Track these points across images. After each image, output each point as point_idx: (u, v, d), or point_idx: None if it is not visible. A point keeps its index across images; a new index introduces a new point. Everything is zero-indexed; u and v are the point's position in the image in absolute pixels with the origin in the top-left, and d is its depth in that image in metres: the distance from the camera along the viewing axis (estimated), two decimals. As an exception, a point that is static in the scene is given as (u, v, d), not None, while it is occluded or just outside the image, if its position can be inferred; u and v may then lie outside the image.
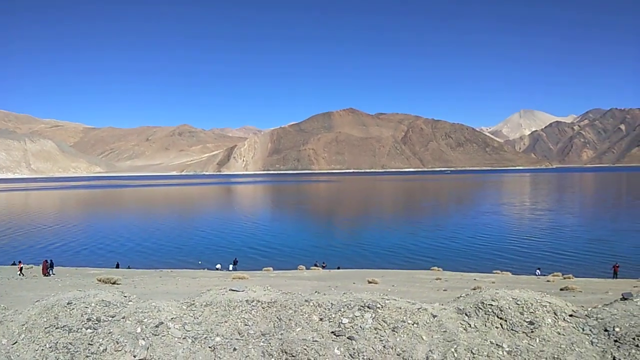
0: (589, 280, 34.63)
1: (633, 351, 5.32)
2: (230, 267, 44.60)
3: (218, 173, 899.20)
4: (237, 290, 7.50)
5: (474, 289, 19.01)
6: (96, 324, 6.40)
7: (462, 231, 67.56)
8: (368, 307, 6.63)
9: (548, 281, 32.66)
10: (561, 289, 26.81)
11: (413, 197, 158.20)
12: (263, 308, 6.93)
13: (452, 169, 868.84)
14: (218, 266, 44.92)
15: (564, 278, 34.47)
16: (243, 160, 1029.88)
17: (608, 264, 41.62)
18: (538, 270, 38.95)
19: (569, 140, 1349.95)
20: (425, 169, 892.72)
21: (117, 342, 6.09)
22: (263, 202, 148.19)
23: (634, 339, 5.43)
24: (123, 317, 6.51)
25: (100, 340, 6.11)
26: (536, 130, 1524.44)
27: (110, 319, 6.49)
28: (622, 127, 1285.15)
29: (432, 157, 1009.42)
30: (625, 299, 6.41)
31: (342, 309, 6.65)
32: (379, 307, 6.58)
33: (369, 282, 28.54)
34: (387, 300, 6.83)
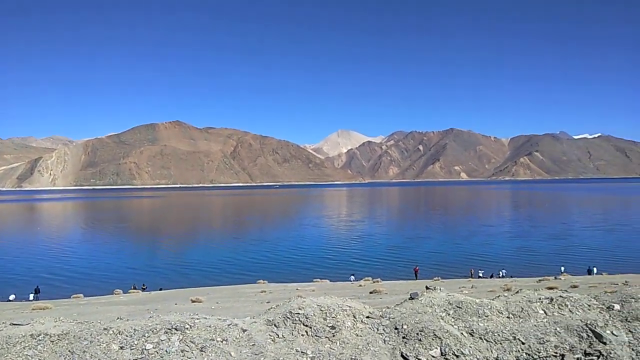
0: (394, 282, 38.71)
1: (417, 345, 5.95)
2: (31, 296, 38.58)
3: (18, 189, 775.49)
4: (20, 324, 6.37)
5: (297, 297, 19.82)
6: None
7: (286, 243, 69.94)
8: (175, 329, 6.22)
9: (360, 286, 35.61)
10: (370, 292, 29.47)
11: (240, 211, 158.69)
12: (52, 342, 5.98)
13: (280, 183, 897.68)
14: (12, 297, 38.43)
15: (374, 282, 37.96)
16: (50, 174, 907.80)
17: (410, 267, 47.00)
18: (352, 276, 42.11)
19: (379, 158, 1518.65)
20: (254, 184, 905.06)
21: None
22: (73, 221, 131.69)
23: (417, 334, 6.08)
24: None
25: None
26: (352, 149, 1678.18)
27: None
28: (421, 147, 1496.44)
29: (261, 172, 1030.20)
30: (413, 299, 7.20)
31: (146, 334, 6.11)
32: (187, 328, 6.22)
33: (193, 302, 27.48)
34: (197, 319, 6.51)
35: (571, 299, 7.08)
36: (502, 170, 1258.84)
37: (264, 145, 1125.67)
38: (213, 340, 6.02)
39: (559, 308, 6.89)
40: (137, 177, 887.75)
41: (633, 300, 7.08)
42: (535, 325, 6.45)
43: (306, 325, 6.30)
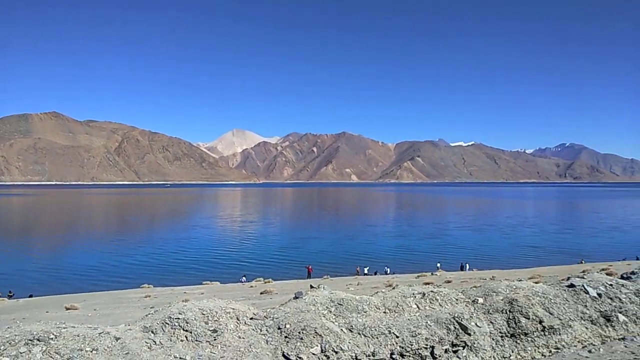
0: (285, 282, 38.94)
1: (298, 344, 6.02)
2: None
3: None
4: None
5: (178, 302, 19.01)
6: None
7: (174, 245, 67.16)
8: (38, 339, 5.63)
9: (252, 286, 35.33)
10: (261, 293, 29.38)
11: (124, 212, 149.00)
12: None
13: (171, 182, 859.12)
14: None
15: (265, 282, 37.89)
16: None
17: (302, 266, 47.72)
18: (243, 277, 41.62)
19: (274, 159, 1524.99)
20: (142, 183, 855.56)
21: None
22: None
23: (299, 332, 6.16)
24: None
25: None
26: (247, 149, 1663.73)
27: None
28: (315, 149, 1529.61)
29: (149, 170, 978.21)
30: (297, 298, 7.28)
31: (2, 347, 5.46)
32: (51, 338, 5.66)
33: (67, 309, 25.17)
34: (64, 328, 5.95)
35: (441, 293, 7.65)
36: (389, 174, 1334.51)
37: (153, 142, 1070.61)
38: (81, 350, 5.55)
39: (430, 302, 7.41)
40: (6, 173, 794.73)
41: (494, 294, 7.85)
42: (408, 319, 6.86)
43: (186, 330, 6.07)
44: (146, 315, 6.66)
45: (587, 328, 7.53)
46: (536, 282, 8.85)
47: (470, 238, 74.66)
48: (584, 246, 64.09)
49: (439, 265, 47.83)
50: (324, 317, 6.62)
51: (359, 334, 6.42)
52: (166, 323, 6.17)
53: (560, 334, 7.20)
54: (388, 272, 47.09)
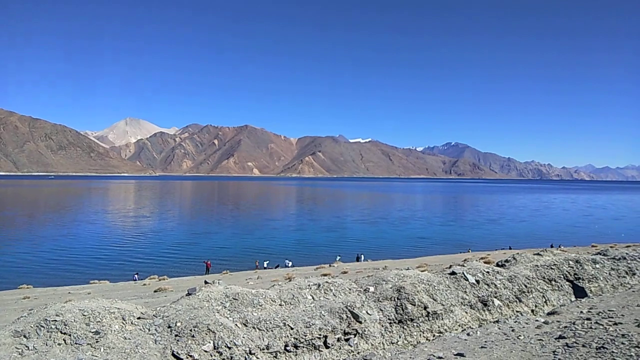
0: (182, 279, 37.56)
1: (189, 342, 5.80)
2: None
3: None
4: None
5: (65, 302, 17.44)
6: None
7: (57, 242, 61.66)
8: None
9: (145, 284, 33.59)
10: (155, 291, 28.05)
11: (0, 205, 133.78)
12: None
13: (55, 174, 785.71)
14: None
15: (160, 280, 36.28)
16: None
17: (200, 262, 46.37)
18: (136, 275, 39.50)
19: (172, 151, 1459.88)
20: (21, 174, 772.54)
21: None
22: None
23: (191, 330, 5.94)
24: None
25: None
26: (142, 139, 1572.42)
27: None
28: (216, 142, 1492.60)
29: (29, 160, 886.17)
30: (190, 294, 7.02)
31: None
32: None
33: None
34: None
35: (335, 284, 7.84)
36: (290, 168, 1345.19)
37: (34, 129, 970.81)
38: None
39: (325, 293, 7.56)
40: None
41: (384, 282, 8.21)
42: (304, 311, 6.95)
43: (64, 333, 5.56)
44: (18, 319, 6.02)
45: (466, 312, 8.19)
46: (422, 271, 9.43)
47: (366, 230, 77.87)
48: (465, 237, 69.87)
49: (338, 257, 49.19)
50: (218, 312, 6.47)
51: (254, 327, 6.36)
52: (41, 326, 5.62)
53: (443, 319, 7.75)
54: (289, 265, 47.59)
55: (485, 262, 12.71)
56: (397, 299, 7.68)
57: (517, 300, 9.02)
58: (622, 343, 5.21)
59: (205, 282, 7.33)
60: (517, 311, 8.76)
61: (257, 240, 65.99)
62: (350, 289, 7.84)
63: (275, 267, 46.39)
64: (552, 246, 53.84)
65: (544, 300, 9.40)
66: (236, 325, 6.32)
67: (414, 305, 7.61)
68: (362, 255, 50.92)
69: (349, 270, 35.05)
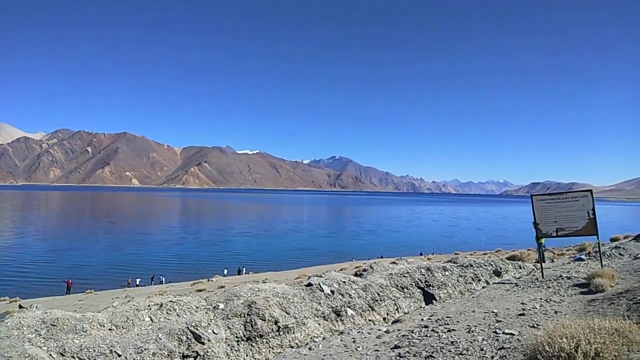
0: (37, 300, 33.66)
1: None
2: None
3: None
4: None
5: None
6: None
7: None
8: None
9: (-12, 309, 29.41)
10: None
11: None
12: None
13: None
14: None
15: (11, 302, 32.23)
16: None
17: (62, 280, 42.08)
18: (-22, 299, 34.52)
19: (37, 158, 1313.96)
20: None
21: None
22: None
23: None
24: None
25: None
26: (2, 145, 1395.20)
27: None
28: (89, 149, 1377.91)
29: None
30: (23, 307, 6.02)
31: None
32: None
33: None
34: None
35: (181, 302, 7.27)
36: (174, 179, 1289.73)
37: None
38: None
39: (167, 313, 6.96)
40: None
41: (236, 298, 7.82)
42: (138, 334, 6.28)
43: None
44: None
45: (319, 324, 8.10)
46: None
47: (249, 243, 76.96)
48: (345, 248, 72.26)
49: (226, 271, 48.13)
50: (30, 342, 5.56)
51: (73, 357, 5.56)
52: None
53: (294, 332, 7.56)
54: (164, 281, 45.30)
55: (357, 271, 12.92)
56: (248, 314, 7.33)
57: (370, 309, 9.19)
58: (449, 350, 5.39)
59: (20, 307, 6.35)
60: (369, 320, 8.91)
61: (130, 255, 61.62)
62: (198, 307, 7.32)
63: (152, 283, 43.84)
64: (421, 254, 57.83)
65: (396, 307, 9.71)
66: (50, 355, 5.47)
67: (264, 320, 7.32)
68: (244, 268, 50.17)
69: (228, 283, 34.15)
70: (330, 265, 46.90)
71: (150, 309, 6.90)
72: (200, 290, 30.40)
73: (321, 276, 9.72)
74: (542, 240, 19.82)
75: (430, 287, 11.17)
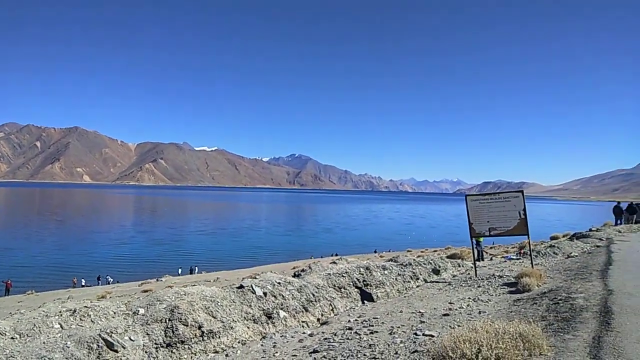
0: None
1: None
2: None
3: None
4: None
5: None
6: None
7: None
8: None
9: None
10: None
11: None
12: None
13: None
14: None
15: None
16: None
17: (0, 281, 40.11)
18: None
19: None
20: None
21: None
22: None
23: None
24: None
25: None
26: None
27: None
28: (38, 144, 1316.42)
29: None
30: None
31: None
32: None
33: None
34: None
35: (97, 308, 6.90)
36: (128, 175, 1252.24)
37: None
38: None
39: (81, 319, 6.59)
40: None
41: (159, 302, 7.50)
42: (44, 343, 5.89)
43: None
44: None
45: (248, 327, 7.90)
46: (210, 286, 8.96)
47: (203, 241, 75.61)
48: (301, 246, 72.14)
49: (180, 270, 47.36)
50: None
51: (-39, 372, 5.14)
52: None
53: (220, 337, 7.32)
54: (111, 281, 44.00)
55: (295, 272, 12.76)
56: (169, 320, 7.04)
57: (305, 310, 9.07)
58: (364, 355, 5.32)
59: None
60: (303, 321, 8.79)
61: (77, 255, 59.24)
62: (115, 313, 6.96)
63: (98, 284, 42.38)
64: (375, 251, 58.60)
65: (332, 308, 9.64)
66: None
67: (187, 325, 7.04)
68: (196, 267, 49.26)
69: (177, 284, 33.33)
70: (286, 263, 46.72)
71: (61, 315, 6.50)
72: (146, 291, 29.51)
73: (255, 277, 9.52)
74: (481, 239, 20.40)
75: (368, 287, 11.18)
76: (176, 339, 6.83)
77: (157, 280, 39.30)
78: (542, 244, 19.59)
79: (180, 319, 7.06)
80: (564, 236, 26.20)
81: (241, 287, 8.73)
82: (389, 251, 57.97)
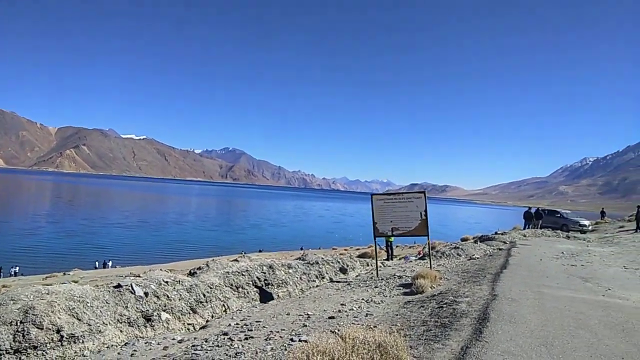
0: None
1: None
2: None
3: None
4: None
5: None
6: None
7: None
8: None
9: None
10: None
11: None
12: None
13: None
14: None
15: None
16: None
17: None
18: None
19: None
20: None
21: None
22: None
23: None
24: None
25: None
26: None
27: None
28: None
29: None
30: None
31: None
32: None
33: None
34: None
35: None
36: (47, 161, 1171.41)
37: None
38: None
39: None
40: None
41: (12, 302, 6.63)
42: None
43: None
44: None
45: (122, 331, 7.19)
46: (82, 285, 8.11)
47: (122, 234, 71.95)
48: (226, 242, 70.58)
49: (97, 263, 44.92)
50: None
51: None
52: None
53: (85, 342, 6.56)
54: (14, 273, 40.85)
55: (191, 270, 12.05)
56: (21, 322, 6.19)
57: (192, 312, 8.46)
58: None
59: None
60: (189, 324, 8.19)
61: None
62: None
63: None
64: (302, 249, 58.53)
65: (224, 309, 9.10)
66: None
67: (42, 329, 6.23)
68: (110, 262, 46.71)
69: (85, 277, 31.34)
70: (206, 259, 45.33)
71: None
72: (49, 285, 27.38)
73: (139, 276, 8.77)
74: (392, 239, 20.70)
75: (270, 286, 10.75)
76: (27, 344, 6.01)
77: (64, 274, 36.74)
78: (447, 245, 20.15)
79: (35, 321, 6.24)
80: (473, 238, 27.28)
81: (119, 286, 7.96)
82: (320, 248, 58.16)
